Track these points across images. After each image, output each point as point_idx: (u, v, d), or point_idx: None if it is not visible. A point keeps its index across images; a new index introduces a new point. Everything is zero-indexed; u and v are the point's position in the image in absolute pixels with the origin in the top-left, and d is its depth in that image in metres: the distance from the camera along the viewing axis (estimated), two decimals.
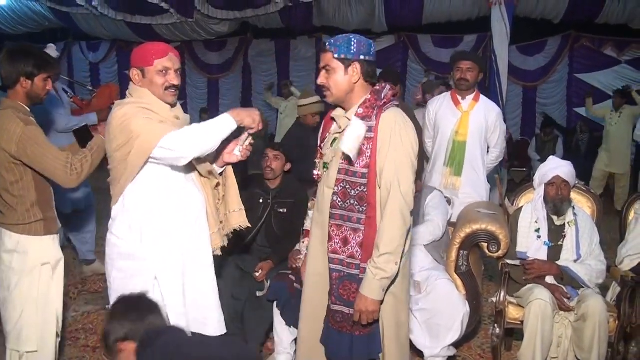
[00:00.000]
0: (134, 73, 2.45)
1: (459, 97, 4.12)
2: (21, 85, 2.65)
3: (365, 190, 2.24)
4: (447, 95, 4.22)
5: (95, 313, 4.24)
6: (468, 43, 10.24)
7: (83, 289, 4.80)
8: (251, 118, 2.41)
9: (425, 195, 3.72)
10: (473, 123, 4.05)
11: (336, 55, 2.25)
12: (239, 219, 2.73)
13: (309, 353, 2.51)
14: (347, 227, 2.29)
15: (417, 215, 3.63)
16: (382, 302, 2.26)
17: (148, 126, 2.31)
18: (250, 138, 2.60)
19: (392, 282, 2.27)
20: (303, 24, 10.10)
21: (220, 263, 3.46)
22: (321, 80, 2.33)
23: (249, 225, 2.78)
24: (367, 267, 2.22)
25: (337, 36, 2.30)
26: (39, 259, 2.67)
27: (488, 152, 4.21)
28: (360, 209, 2.26)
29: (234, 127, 2.39)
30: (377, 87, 2.32)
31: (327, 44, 2.29)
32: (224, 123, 2.38)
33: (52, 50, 4.64)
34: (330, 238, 2.33)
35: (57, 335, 2.81)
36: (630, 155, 8.26)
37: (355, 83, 2.29)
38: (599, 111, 8.36)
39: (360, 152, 2.25)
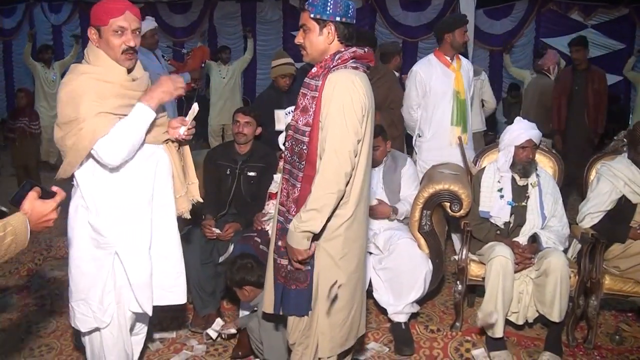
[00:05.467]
0: (92, 32, 2.28)
1: (447, 58, 4.04)
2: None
3: (305, 148, 2.24)
4: (431, 59, 4.11)
5: (61, 278, 4.21)
6: (435, 6, 10.19)
7: (48, 255, 4.76)
8: (165, 94, 2.34)
9: (401, 164, 3.72)
10: (464, 80, 4.06)
11: (312, 15, 2.23)
12: (194, 192, 2.69)
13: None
14: (290, 182, 2.31)
15: (391, 181, 3.68)
16: (311, 256, 2.25)
17: (92, 121, 2.18)
18: (194, 115, 2.53)
19: (330, 243, 2.27)
20: None
21: (188, 231, 3.46)
22: (298, 39, 2.32)
23: (201, 200, 2.74)
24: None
25: None
26: None
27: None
28: (299, 166, 2.26)
29: (153, 115, 2.31)
30: (343, 49, 2.26)
31: (306, 3, 2.27)
32: (142, 115, 2.28)
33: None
34: (280, 190, 2.38)
35: None
36: None
37: (330, 44, 2.26)
38: (518, 72, 8.17)
39: (304, 110, 2.25)
